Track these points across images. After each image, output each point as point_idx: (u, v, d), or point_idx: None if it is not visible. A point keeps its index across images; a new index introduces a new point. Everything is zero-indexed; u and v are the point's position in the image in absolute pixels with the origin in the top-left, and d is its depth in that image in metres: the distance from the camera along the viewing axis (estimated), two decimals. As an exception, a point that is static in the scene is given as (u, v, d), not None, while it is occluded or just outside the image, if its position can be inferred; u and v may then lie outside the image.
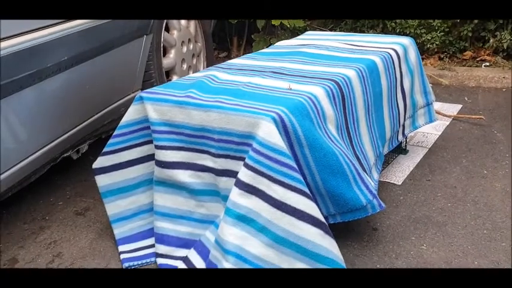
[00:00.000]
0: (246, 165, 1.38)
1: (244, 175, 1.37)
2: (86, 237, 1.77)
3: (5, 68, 1.41)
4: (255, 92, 1.56)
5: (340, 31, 3.87)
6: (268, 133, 1.36)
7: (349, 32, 3.80)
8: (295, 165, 1.35)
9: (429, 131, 2.54)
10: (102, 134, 2.13)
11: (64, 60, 1.62)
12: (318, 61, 1.88)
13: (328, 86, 1.60)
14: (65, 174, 2.18)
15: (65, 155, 1.92)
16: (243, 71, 1.79)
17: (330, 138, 1.52)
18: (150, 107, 1.56)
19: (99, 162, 1.66)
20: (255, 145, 1.37)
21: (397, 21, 3.64)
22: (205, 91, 1.57)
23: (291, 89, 1.57)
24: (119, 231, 1.68)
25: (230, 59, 3.97)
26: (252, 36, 3.87)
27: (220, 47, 4.14)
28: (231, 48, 4.07)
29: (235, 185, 1.38)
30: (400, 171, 2.15)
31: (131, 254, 1.63)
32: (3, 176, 1.54)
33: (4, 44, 1.38)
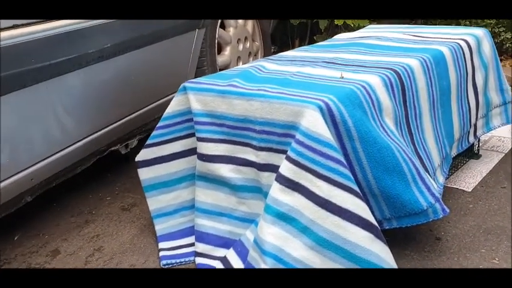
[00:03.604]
0: (288, 158, 1.25)
1: (286, 169, 1.25)
2: (128, 232, 1.72)
3: (41, 52, 1.39)
4: (302, 81, 1.43)
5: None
6: (313, 122, 1.22)
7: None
8: (342, 159, 1.21)
9: (506, 135, 2.27)
10: (151, 129, 2.09)
11: (107, 48, 1.59)
12: (377, 51, 1.72)
13: (386, 75, 1.44)
14: (116, 171, 2.17)
15: (113, 148, 1.89)
16: (294, 61, 1.67)
17: (386, 132, 1.36)
18: (193, 97, 1.49)
19: (142, 155, 1.61)
20: (298, 136, 1.25)
21: (472, 20, 3.36)
22: (250, 80, 1.47)
23: (343, 78, 1.43)
24: (160, 227, 1.61)
25: (291, 61, 3.88)
26: (314, 37, 3.74)
27: (282, 49, 4.04)
28: (293, 51, 3.97)
29: (276, 179, 1.26)
30: (471, 177, 1.92)
31: (170, 251, 1.55)
32: (44, 162, 1.52)
33: (38, 27, 1.36)
